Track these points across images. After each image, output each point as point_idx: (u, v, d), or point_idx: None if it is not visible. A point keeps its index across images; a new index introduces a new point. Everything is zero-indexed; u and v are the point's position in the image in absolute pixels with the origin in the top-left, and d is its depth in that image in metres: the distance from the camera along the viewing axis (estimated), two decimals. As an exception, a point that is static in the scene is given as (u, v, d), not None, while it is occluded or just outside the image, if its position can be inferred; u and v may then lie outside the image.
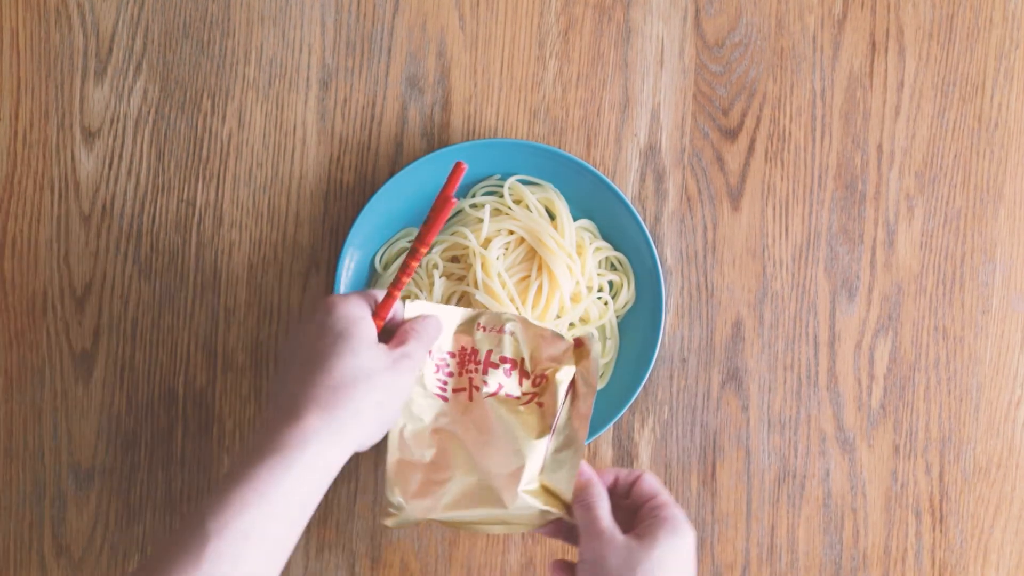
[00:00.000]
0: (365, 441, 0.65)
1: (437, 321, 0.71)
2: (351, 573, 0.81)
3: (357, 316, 0.66)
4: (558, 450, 0.70)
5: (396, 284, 0.68)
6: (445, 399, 0.72)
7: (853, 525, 0.82)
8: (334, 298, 0.67)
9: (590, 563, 0.66)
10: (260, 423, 0.65)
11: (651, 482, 0.70)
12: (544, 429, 0.70)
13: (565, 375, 0.71)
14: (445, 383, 0.72)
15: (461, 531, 0.70)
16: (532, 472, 0.68)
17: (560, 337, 0.72)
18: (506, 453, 0.69)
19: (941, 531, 0.82)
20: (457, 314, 0.73)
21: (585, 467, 0.70)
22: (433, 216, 0.67)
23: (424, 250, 0.67)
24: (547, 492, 0.69)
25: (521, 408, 0.71)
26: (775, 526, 0.82)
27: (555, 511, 0.68)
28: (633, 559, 0.65)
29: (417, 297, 0.79)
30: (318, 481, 0.62)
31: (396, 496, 0.69)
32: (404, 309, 0.70)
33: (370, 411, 0.64)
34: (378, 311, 0.68)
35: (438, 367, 0.72)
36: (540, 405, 0.71)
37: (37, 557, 0.81)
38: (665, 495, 0.69)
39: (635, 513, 0.69)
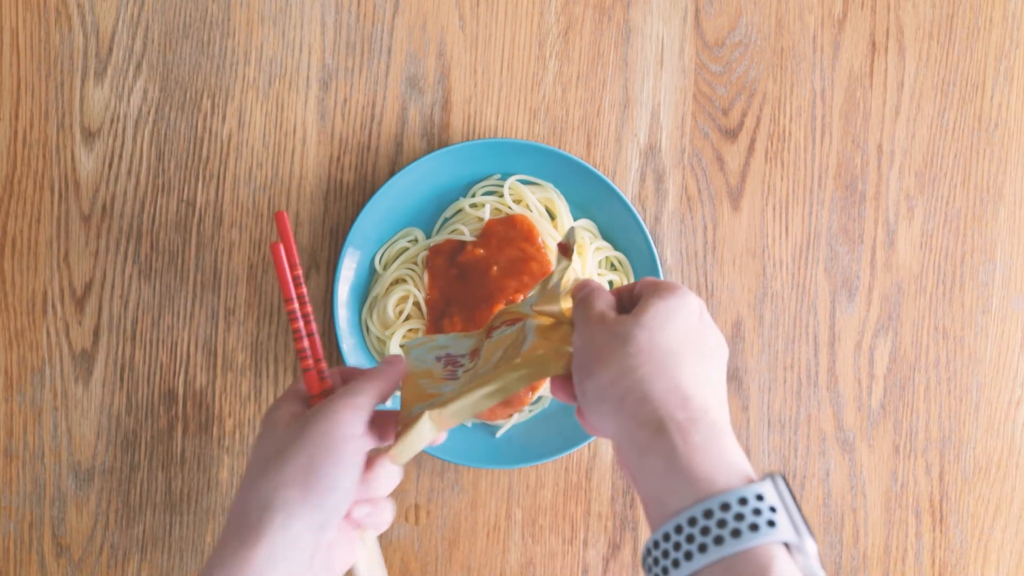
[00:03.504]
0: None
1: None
2: (351, 573, 0.81)
3: (347, 434, 0.60)
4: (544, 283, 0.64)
5: (299, 355, 0.64)
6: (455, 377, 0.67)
7: (853, 525, 0.82)
8: (322, 406, 0.60)
9: (579, 352, 0.57)
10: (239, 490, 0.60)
11: (651, 278, 0.61)
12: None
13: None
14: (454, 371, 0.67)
15: (466, 419, 0.61)
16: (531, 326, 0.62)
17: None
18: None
19: (941, 531, 0.82)
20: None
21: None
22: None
23: (309, 310, 0.65)
24: (547, 330, 0.61)
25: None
26: (775, 526, 0.82)
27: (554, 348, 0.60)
28: (621, 330, 0.55)
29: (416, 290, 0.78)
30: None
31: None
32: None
33: (348, 482, 0.59)
34: (306, 385, 0.64)
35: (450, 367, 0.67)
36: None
37: (37, 557, 0.81)
38: (652, 278, 0.61)
39: None
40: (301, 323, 0.65)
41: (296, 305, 0.65)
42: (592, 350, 0.56)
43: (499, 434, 0.79)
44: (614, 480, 0.82)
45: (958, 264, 0.82)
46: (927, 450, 0.82)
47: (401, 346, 0.70)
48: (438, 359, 0.67)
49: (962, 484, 0.82)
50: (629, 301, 0.59)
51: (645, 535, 0.82)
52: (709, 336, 0.56)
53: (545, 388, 0.78)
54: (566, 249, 0.63)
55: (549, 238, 0.77)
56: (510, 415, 0.78)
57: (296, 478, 0.57)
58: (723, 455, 0.51)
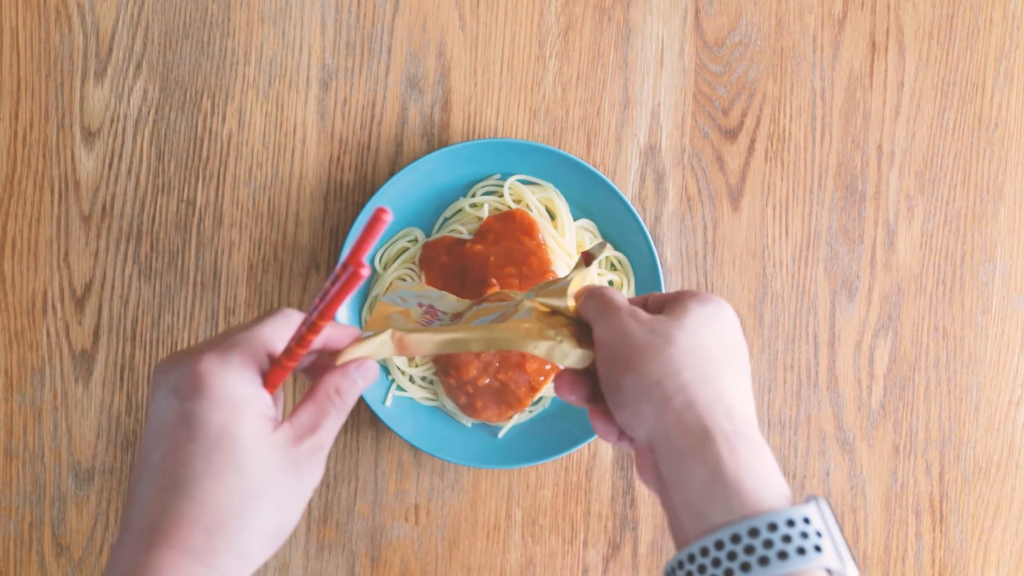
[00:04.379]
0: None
1: (373, 369, 0.53)
2: (351, 573, 0.81)
3: (240, 399, 0.48)
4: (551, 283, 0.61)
5: (290, 355, 0.49)
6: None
7: (853, 525, 0.82)
8: (203, 368, 0.48)
9: (611, 344, 0.52)
10: (116, 545, 0.48)
11: (664, 291, 0.57)
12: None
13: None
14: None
15: (443, 350, 0.56)
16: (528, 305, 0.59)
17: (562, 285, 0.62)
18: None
19: (941, 531, 0.82)
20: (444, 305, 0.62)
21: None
22: (337, 288, 0.47)
23: (324, 324, 0.48)
24: (543, 315, 0.58)
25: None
26: (775, 526, 0.82)
27: (553, 335, 0.56)
28: (663, 328, 0.52)
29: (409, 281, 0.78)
30: None
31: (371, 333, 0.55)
32: (342, 335, 0.53)
33: (261, 544, 0.48)
34: (269, 379, 0.50)
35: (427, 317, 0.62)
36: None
37: (37, 557, 0.81)
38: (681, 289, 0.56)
39: None
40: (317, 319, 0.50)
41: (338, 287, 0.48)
42: (631, 344, 0.51)
43: (501, 434, 0.79)
44: (614, 480, 0.82)
45: (958, 264, 0.82)
46: (927, 450, 0.82)
47: (389, 285, 0.67)
48: (420, 304, 0.64)
49: (962, 484, 0.82)
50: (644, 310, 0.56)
51: (645, 535, 0.82)
52: (743, 347, 0.54)
53: (547, 388, 0.78)
54: (589, 258, 0.62)
55: (549, 238, 0.77)
56: (510, 416, 0.78)
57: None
58: (766, 472, 0.49)
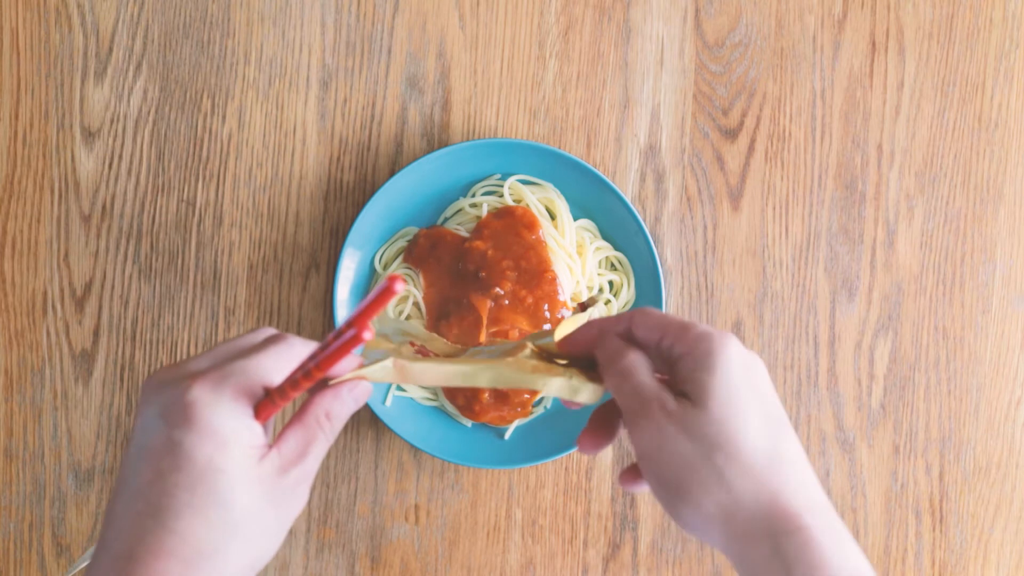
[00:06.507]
0: None
1: (367, 390, 0.51)
2: (351, 573, 0.81)
3: (230, 433, 0.46)
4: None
5: (283, 395, 0.48)
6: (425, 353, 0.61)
7: (853, 525, 0.82)
8: (194, 398, 0.46)
9: (653, 459, 0.49)
10: (92, 567, 0.47)
11: (652, 316, 0.51)
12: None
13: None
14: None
15: (442, 384, 0.54)
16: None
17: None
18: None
19: (941, 531, 0.82)
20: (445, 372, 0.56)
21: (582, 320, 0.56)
22: (338, 345, 0.46)
23: (320, 376, 0.48)
24: (540, 358, 0.56)
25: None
26: (775, 526, 0.82)
27: (546, 376, 0.53)
28: (697, 431, 0.47)
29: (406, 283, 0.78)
30: None
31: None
32: (344, 364, 0.51)
33: (242, 573, 0.47)
34: (259, 412, 0.48)
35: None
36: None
37: (37, 557, 0.81)
38: (674, 320, 0.50)
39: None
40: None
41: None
42: (676, 465, 0.48)
43: (507, 436, 0.79)
44: (614, 480, 0.82)
45: (958, 264, 0.82)
46: (927, 450, 0.82)
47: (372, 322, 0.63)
48: (411, 344, 0.61)
49: (962, 484, 0.82)
50: (656, 353, 0.51)
51: (645, 535, 0.82)
52: (781, 410, 0.49)
53: (548, 388, 0.78)
54: (584, 307, 0.61)
55: (549, 238, 0.77)
56: (511, 420, 0.78)
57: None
58: (848, 564, 0.46)
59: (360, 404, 0.51)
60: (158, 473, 0.46)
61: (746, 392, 0.48)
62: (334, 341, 0.46)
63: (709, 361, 0.48)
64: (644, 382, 0.49)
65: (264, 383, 0.48)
